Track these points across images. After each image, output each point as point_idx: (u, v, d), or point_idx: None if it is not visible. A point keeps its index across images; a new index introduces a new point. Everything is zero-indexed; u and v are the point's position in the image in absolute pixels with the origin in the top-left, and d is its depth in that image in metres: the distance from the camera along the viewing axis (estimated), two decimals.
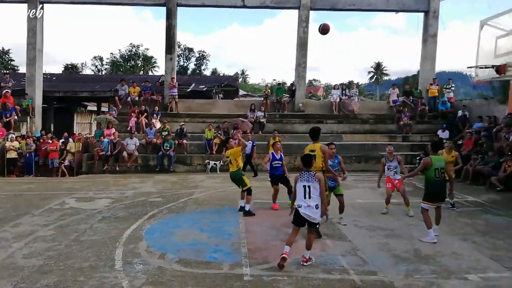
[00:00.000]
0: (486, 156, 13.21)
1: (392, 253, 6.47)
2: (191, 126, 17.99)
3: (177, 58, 66.86)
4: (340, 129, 18.47)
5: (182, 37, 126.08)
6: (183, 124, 16.83)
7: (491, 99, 17.86)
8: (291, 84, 21.00)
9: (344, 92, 20.22)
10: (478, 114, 16.83)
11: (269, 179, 9.77)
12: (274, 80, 69.76)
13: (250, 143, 14.19)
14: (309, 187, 5.83)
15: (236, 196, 10.86)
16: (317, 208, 5.82)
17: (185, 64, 67.65)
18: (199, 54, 69.13)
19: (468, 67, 9.73)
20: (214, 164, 15.32)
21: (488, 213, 9.17)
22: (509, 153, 12.47)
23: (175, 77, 19.49)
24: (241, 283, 5.33)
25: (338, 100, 19.59)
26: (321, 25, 10.21)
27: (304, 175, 5.93)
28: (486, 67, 8.78)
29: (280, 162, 9.62)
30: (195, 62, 68.95)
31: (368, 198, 10.80)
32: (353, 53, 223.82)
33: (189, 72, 63.83)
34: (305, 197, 5.84)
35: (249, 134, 15.63)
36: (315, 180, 5.84)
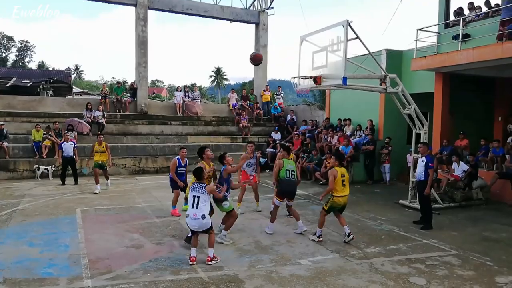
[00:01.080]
0: (311, 154, 15.13)
1: (236, 247, 6.87)
2: (13, 126, 15.62)
3: None
4: (185, 130, 18.62)
5: None
6: (2, 124, 14.47)
7: (313, 105, 20.53)
8: (131, 83, 20.20)
9: (187, 94, 20.43)
10: (303, 118, 19.14)
11: (170, 183, 9.26)
12: (113, 78, 65.71)
13: (71, 144, 12.84)
14: (198, 197, 6.05)
15: (73, 203, 9.97)
16: (203, 218, 6.00)
17: (4, 55, 58.41)
18: (21, 44, 60.56)
19: (292, 77, 10.71)
20: (46, 169, 13.62)
21: (314, 204, 10.53)
22: (328, 152, 14.54)
23: None
24: None
25: (181, 102, 19.73)
26: (252, 53, 9.91)
27: (195, 186, 6.19)
28: (306, 78, 9.79)
29: (184, 169, 9.28)
30: (17, 53, 60.20)
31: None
32: (195, 56, 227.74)
33: (9, 64, 55.22)
34: (192, 207, 6.04)
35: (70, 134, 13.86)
36: (205, 191, 6.09)
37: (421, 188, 8.60)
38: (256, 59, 10.32)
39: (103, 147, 11.89)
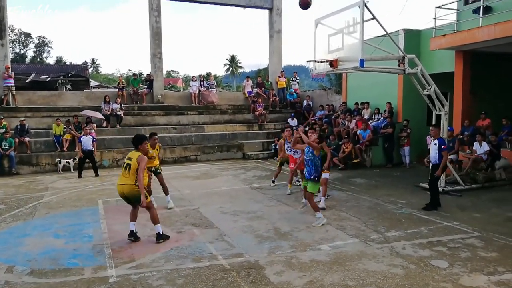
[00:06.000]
0: (328, 139, 14.97)
1: (255, 234, 6.90)
2: (34, 122, 15.96)
3: (11, 44, 58.42)
4: (201, 120, 18.70)
5: (15, 20, 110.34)
6: (23, 120, 14.81)
7: (329, 89, 20.28)
8: (147, 75, 20.34)
9: (202, 83, 20.46)
10: (320, 103, 18.94)
11: None
12: (129, 70, 66.39)
13: (90, 138, 12.98)
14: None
15: (95, 195, 10.16)
16: None
17: (22, 51, 59.48)
18: (38, 40, 61.56)
19: (307, 61, 10.59)
20: (67, 162, 13.90)
21: (332, 189, 10.44)
22: (346, 136, 14.41)
23: (10, 65, 16.98)
24: (107, 285, 5.03)
25: (197, 91, 19.78)
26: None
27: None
28: (321, 62, 9.63)
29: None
30: (35, 49, 61.29)
31: (231, 185, 11.23)
32: (209, 45, 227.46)
33: (27, 60, 56.29)
34: None
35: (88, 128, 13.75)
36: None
37: (434, 171, 8.48)
38: (304, 3, 9.42)
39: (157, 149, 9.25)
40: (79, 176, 12.74)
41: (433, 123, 10.53)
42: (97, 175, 12.94)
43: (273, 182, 10.88)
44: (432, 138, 8.65)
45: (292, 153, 10.06)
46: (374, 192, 10.07)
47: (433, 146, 8.55)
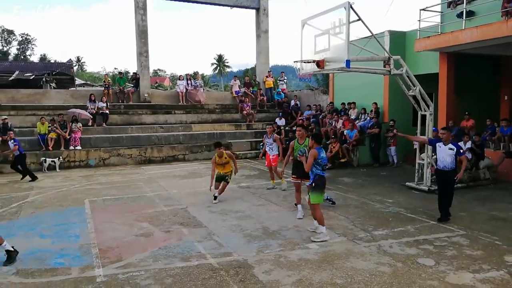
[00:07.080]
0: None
1: (244, 233, 6.90)
2: (17, 120, 15.69)
3: None
4: (189, 119, 18.62)
5: None
6: (5, 118, 14.53)
7: (316, 89, 20.40)
8: (134, 73, 20.15)
9: (189, 82, 20.37)
10: (307, 103, 19.05)
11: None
12: (115, 68, 65.66)
13: (13, 142, 12.06)
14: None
15: (81, 195, 10.04)
16: None
17: (5, 49, 58.38)
18: (22, 37, 60.46)
19: (294, 62, 10.64)
20: (52, 161, 13.68)
21: None
22: (333, 136, 14.53)
23: None
24: (94, 285, 4.98)
25: (184, 90, 19.69)
26: None
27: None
28: (308, 62, 9.69)
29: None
30: (18, 47, 60.20)
31: None
32: (197, 44, 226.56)
33: (10, 57, 55.23)
34: None
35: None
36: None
37: (451, 178, 7.64)
38: None
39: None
40: (22, 178, 12.07)
41: (419, 123, 10.70)
42: (28, 178, 12.09)
43: (215, 198, 9.12)
44: (444, 142, 7.79)
45: (268, 150, 10.41)
46: (361, 191, 10.17)
47: (447, 151, 7.61)
